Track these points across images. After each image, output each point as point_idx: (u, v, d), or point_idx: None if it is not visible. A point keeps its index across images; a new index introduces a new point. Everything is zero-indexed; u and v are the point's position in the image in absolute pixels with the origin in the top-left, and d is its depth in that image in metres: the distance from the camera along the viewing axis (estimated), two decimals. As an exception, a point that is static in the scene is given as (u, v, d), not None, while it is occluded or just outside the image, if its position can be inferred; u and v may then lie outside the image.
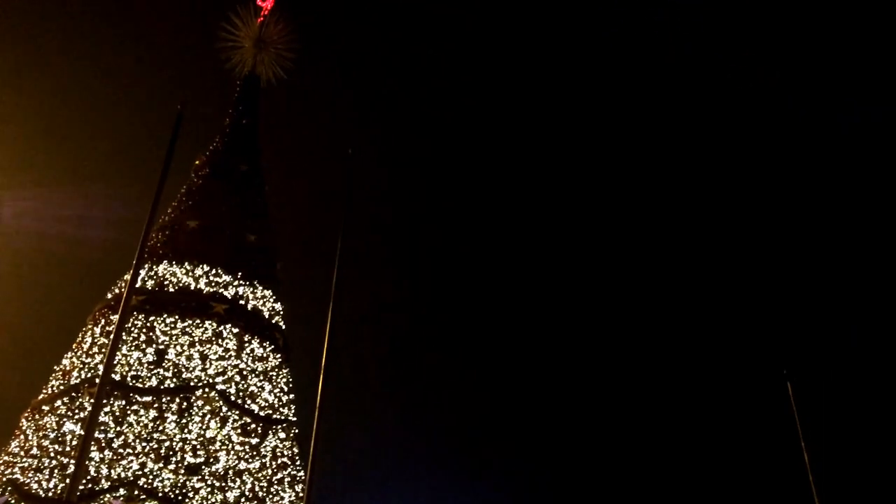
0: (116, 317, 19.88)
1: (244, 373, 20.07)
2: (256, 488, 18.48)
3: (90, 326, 20.64)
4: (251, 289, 21.91)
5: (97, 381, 18.81)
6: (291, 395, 21.73)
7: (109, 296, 21.18)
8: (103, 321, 20.37)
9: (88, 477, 16.84)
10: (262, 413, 19.90)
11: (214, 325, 20.36)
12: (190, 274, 21.18)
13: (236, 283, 21.59)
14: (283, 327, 22.51)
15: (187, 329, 19.97)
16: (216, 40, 28.12)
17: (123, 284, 21.28)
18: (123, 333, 19.72)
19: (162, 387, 18.80)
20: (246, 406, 19.60)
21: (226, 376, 19.57)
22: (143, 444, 17.68)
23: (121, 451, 17.46)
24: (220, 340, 20.18)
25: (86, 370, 19.27)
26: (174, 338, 19.69)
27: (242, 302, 21.37)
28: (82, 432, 17.49)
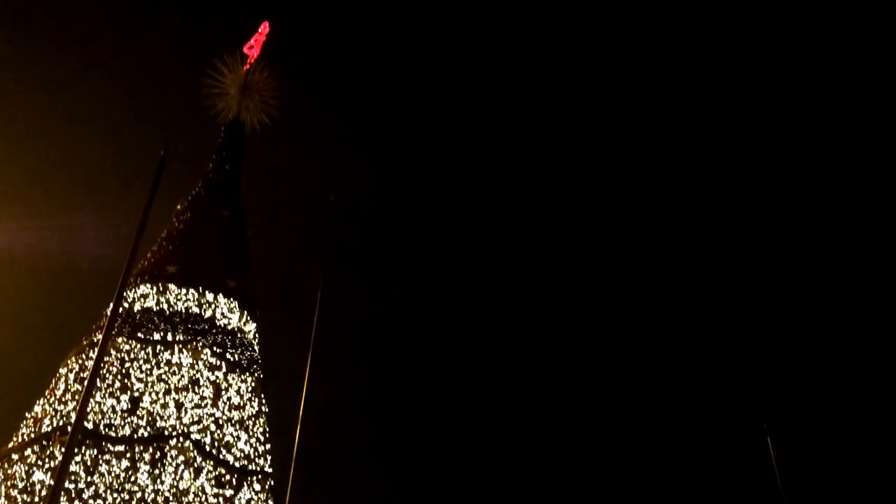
0: (90, 363, 19.62)
1: (220, 422, 19.70)
2: (229, 542, 18.01)
3: (64, 372, 20.25)
4: (230, 335, 21.66)
5: (69, 429, 18.40)
6: (268, 446, 21.33)
7: (85, 341, 20.84)
8: (77, 367, 20.00)
9: (56, 529, 16.32)
10: (237, 464, 19.49)
11: (191, 372, 20.05)
12: (168, 320, 20.92)
13: (214, 329, 21.34)
14: (262, 375, 22.20)
15: (163, 376, 19.65)
16: (203, 86, 28.34)
17: (99, 330, 20.98)
18: (98, 380, 19.37)
19: (135, 436, 18.39)
20: (221, 456, 19.20)
21: (201, 425, 19.20)
22: (115, 494, 17.22)
23: (91, 501, 16.99)
24: (196, 388, 19.85)
25: (58, 418, 18.84)
26: (149, 385, 19.34)
27: (220, 349, 21.09)
28: (52, 482, 17.05)
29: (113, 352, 19.98)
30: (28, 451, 18.35)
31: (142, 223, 12.48)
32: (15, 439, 19.17)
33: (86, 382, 17.81)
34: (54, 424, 18.71)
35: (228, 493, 18.66)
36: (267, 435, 21.35)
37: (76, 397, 19.15)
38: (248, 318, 22.87)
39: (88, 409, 18.70)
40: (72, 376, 19.84)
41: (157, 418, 18.85)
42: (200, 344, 20.71)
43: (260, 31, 30.36)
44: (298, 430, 13.94)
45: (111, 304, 15.80)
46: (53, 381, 20.28)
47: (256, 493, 19.45)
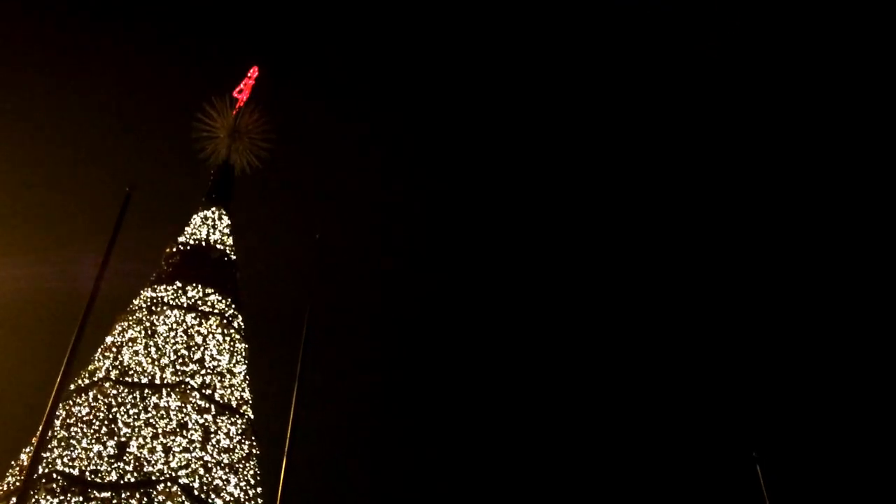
0: (77, 409, 19.49)
1: (209, 465, 19.44)
2: (218, 589, 17.66)
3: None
4: (219, 377, 21.49)
5: (55, 475, 18.19)
6: (259, 489, 21.05)
7: (72, 386, 20.65)
8: (64, 413, 19.79)
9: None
10: (227, 508, 19.23)
11: (179, 415, 19.84)
12: (156, 363, 20.80)
13: (203, 371, 21.18)
14: (252, 416, 21.97)
15: (151, 420, 19.44)
16: (192, 128, 28.58)
17: (87, 375, 20.85)
18: (84, 426, 19.23)
19: (122, 482, 18.14)
20: (210, 501, 18.91)
21: (189, 469, 18.94)
22: (100, 542, 16.95)
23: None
24: (184, 432, 19.63)
25: (43, 465, 18.56)
26: (137, 429, 19.13)
27: (209, 391, 20.91)
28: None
29: (100, 397, 19.84)
30: (13, 501, 18.10)
31: (104, 262, 12.42)
32: (1, 488, 18.92)
33: (41, 427, 17.70)
34: (39, 472, 18.43)
35: (217, 537, 18.37)
36: (258, 477, 21.06)
37: (62, 444, 18.94)
38: (238, 358, 22.71)
39: (74, 456, 18.55)
40: (58, 422, 19.60)
41: (145, 463, 18.61)
42: (189, 387, 20.54)
43: (249, 74, 30.70)
44: (283, 472, 13.73)
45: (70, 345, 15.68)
46: (41, 427, 20.02)
47: (245, 537, 19.15)
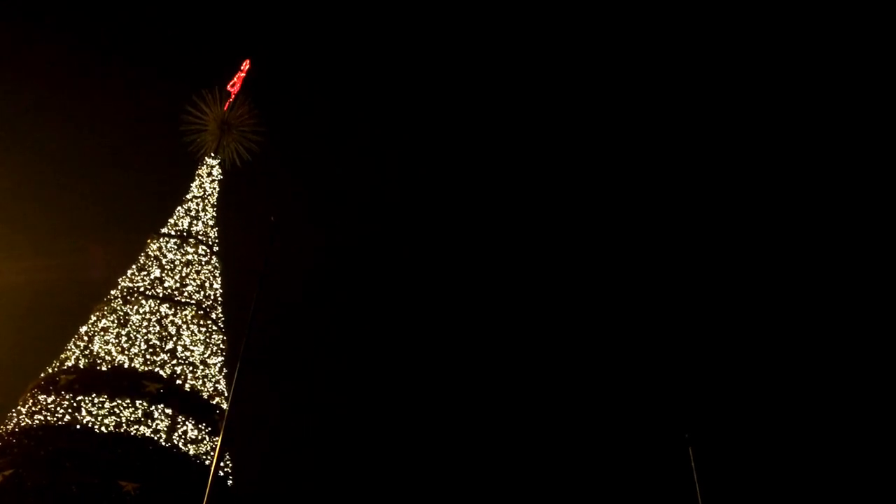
0: (44, 397, 19.41)
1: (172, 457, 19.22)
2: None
3: (19, 407, 20.03)
4: (191, 368, 21.29)
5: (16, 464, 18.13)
6: (229, 482, 20.82)
7: (42, 375, 20.63)
8: (31, 402, 19.75)
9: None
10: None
11: (145, 405, 19.67)
12: (126, 353, 20.67)
13: (174, 361, 21.00)
14: (225, 409, 21.70)
15: (115, 409, 19.29)
16: (182, 122, 28.57)
17: (57, 364, 20.80)
18: (48, 414, 19.16)
19: (82, 471, 18.00)
20: (172, 491, 18.68)
21: (150, 460, 18.72)
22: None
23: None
24: (149, 422, 19.44)
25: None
26: (100, 418, 18.99)
27: (179, 382, 20.71)
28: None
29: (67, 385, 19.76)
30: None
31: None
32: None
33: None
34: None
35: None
36: (227, 470, 20.84)
37: (29, 433, 18.88)
38: (214, 349, 22.50)
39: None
40: (24, 410, 19.59)
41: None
42: (157, 377, 20.36)
43: (242, 68, 30.64)
44: (216, 457, 13.33)
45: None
46: (10, 414, 20.06)
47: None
